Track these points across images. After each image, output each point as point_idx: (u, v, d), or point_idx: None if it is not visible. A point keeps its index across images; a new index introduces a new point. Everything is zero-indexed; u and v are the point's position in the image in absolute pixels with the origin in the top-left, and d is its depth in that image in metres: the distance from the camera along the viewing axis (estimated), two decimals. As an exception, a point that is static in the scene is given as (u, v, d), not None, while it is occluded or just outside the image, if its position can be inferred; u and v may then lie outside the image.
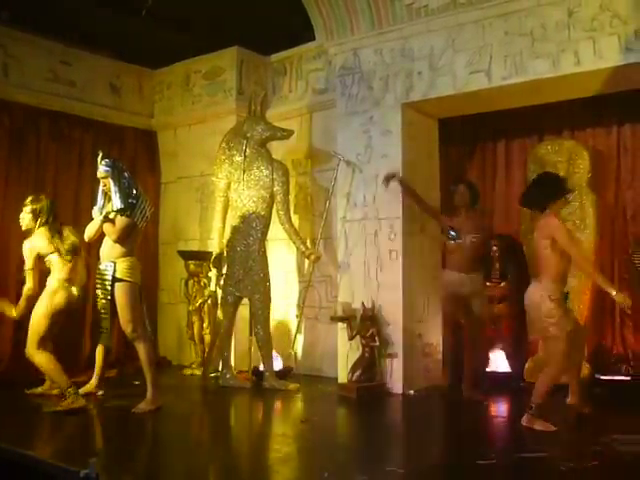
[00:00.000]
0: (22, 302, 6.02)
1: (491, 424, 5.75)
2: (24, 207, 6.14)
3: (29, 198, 6.16)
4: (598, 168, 6.82)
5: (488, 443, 4.97)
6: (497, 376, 6.83)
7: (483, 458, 4.22)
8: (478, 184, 6.99)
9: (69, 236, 6.05)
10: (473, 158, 7.72)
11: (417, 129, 6.82)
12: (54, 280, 5.91)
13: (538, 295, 4.99)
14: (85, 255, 6.23)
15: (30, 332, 5.75)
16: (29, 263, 6.01)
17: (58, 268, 5.93)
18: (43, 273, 6.02)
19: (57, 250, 5.94)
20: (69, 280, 5.95)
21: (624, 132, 6.94)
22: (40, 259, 5.99)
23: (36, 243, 6.00)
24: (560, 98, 6.49)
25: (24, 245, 6.08)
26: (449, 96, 6.40)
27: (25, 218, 6.11)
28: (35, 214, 6.06)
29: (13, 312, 6.09)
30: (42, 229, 6.02)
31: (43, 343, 5.73)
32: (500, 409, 6.23)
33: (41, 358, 5.70)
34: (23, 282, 6.13)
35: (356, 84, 6.91)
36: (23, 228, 6.15)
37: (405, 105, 6.64)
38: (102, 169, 5.65)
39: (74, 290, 5.97)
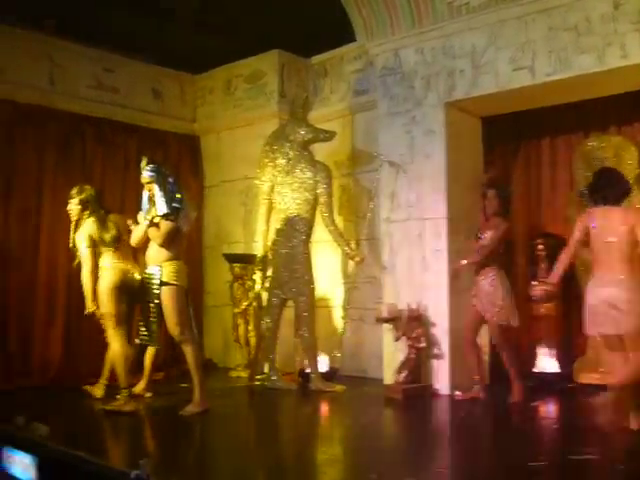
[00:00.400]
0: (88, 289, 6.10)
1: (540, 425, 5.65)
2: (71, 199, 6.25)
3: (74, 189, 6.28)
4: (647, 163, 6.67)
5: (538, 444, 4.87)
6: (545, 377, 6.72)
7: (534, 460, 4.14)
8: (523, 182, 6.87)
9: (112, 227, 6.15)
10: (517, 156, 7.58)
11: (460, 128, 6.76)
12: (104, 263, 6.06)
13: None
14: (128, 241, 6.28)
15: (104, 316, 5.91)
16: (86, 243, 6.10)
17: (106, 254, 6.09)
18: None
19: (102, 240, 6.09)
20: (119, 261, 6.09)
21: (673, 126, 6.77)
22: (93, 242, 6.10)
23: (88, 228, 6.12)
24: (606, 93, 6.35)
25: (76, 236, 6.18)
26: (492, 94, 6.33)
27: (74, 209, 6.25)
28: (83, 203, 6.20)
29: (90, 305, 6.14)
30: (91, 219, 6.14)
31: (120, 327, 5.85)
32: (549, 410, 6.13)
33: (117, 347, 5.83)
34: (75, 276, 6.26)
35: (398, 84, 6.88)
36: (73, 219, 6.25)
37: (448, 104, 6.59)
38: (146, 174, 5.68)
39: (125, 266, 6.08)
